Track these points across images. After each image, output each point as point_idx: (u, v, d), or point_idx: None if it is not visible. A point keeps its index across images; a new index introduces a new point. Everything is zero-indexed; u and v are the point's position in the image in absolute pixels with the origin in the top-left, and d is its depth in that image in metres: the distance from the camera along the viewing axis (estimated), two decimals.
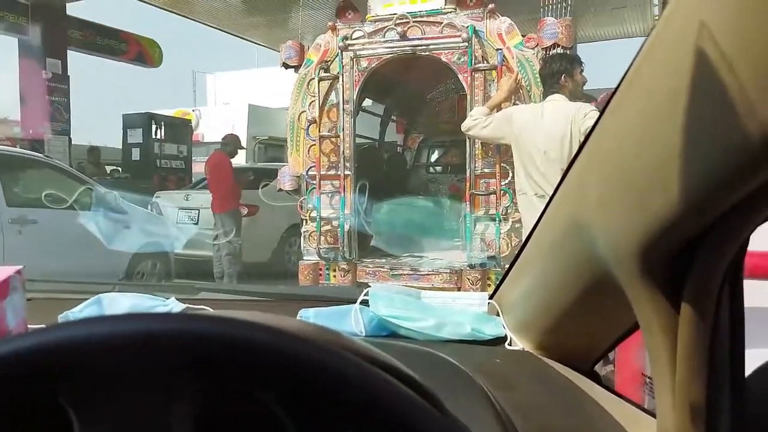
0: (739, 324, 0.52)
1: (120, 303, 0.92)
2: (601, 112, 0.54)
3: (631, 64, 0.47)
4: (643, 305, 0.52)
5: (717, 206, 0.42)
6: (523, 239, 2.94)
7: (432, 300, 0.92)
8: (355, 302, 0.90)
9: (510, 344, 0.85)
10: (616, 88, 0.50)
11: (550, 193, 2.40)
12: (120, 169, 9.73)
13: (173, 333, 0.31)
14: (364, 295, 0.89)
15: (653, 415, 0.71)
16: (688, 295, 0.49)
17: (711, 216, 0.43)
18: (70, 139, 8.79)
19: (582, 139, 2.47)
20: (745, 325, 0.52)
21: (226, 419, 0.41)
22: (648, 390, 0.95)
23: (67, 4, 8.97)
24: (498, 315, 0.89)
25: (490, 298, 0.93)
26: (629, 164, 0.48)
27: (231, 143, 6.33)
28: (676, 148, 0.41)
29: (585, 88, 3.20)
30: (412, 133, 6.80)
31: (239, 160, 11.36)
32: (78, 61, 9.55)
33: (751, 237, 0.50)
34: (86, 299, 0.93)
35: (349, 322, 0.86)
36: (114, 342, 0.30)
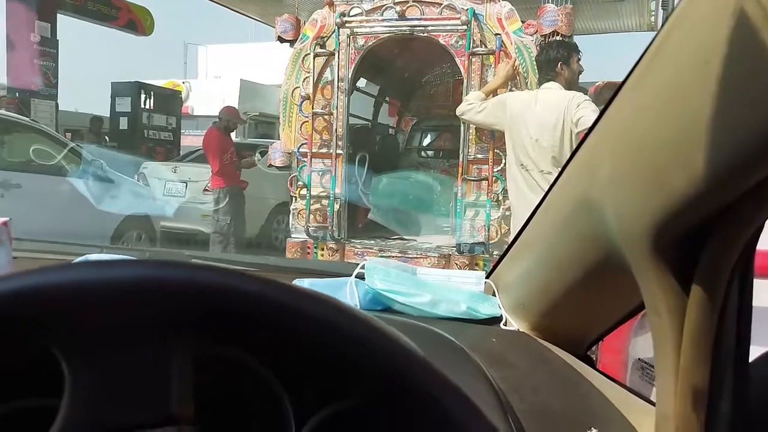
0: (746, 312, 0.52)
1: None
2: (620, 85, 0.52)
3: (656, 35, 0.45)
4: (651, 286, 0.51)
5: (740, 184, 0.41)
6: (512, 227, 2.93)
7: (428, 277, 0.91)
8: (349, 276, 0.89)
9: (505, 324, 0.84)
10: (640, 58, 0.48)
11: (540, 182, 2.38)
12: (107, 138, 9.59)
13: (174, 280, 0.29)
14: (360, 268, 0.87)
15: (646, 400, 0.70)
16: (698, 278, 0.48)
17: (733, 195, 0.42)
18: (57, 104, 8.64)
19: (573, 129, 2.46)
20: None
21: (219, 388, 0.39)
22: (642, 374, 0.95)
23: None
24: (494, 295, 0.88)
25: (487, 277, 0.92)
26: (648, 138, 0.47)
27: (225, 117, 5.84)
28: (703, 121, 0.39)
29: (579, 80, 3.18)
30: (406, 116, 6.76)
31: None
32: (68, 26, 9.36)
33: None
34: (73, 260, 0.91)
35: (344, 295, 0.85)
36: (106, 288, 0.28)
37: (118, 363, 0.28)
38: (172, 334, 0.29)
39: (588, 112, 2.72)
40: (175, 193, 6.56)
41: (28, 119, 5.71)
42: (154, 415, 0.28)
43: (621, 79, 0.52)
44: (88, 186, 4.78)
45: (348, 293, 0.85)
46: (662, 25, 0.46)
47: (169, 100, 10.20)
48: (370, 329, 0.32)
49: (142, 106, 9.46)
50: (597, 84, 3.24)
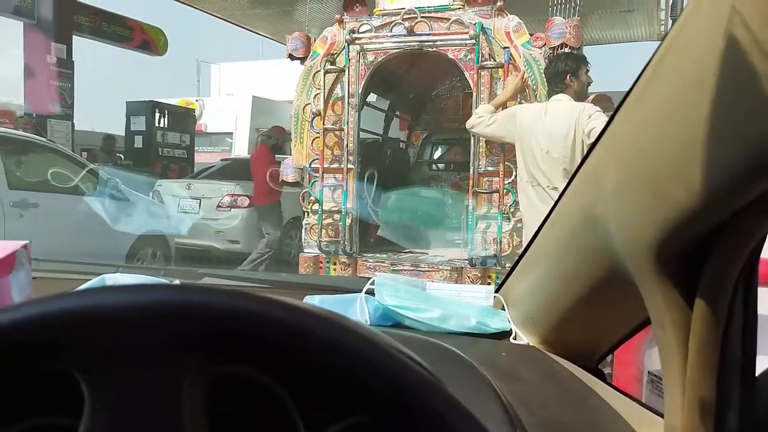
0: (751, 323, 0.52)
1: (124, 283, 0.91)
2: (621, 102, 0.53)
3: (657, 50, 0.46)
4: (655, 300, 0.52)
5: (739, 198, 0.41)
6: (524, 239, 2.92)
7: (437, 292, 0.92)
8: (359, 292, 0.90)
9: (515, 339, 0.84)
10: (639, 77, 0.49)
11: (551, 193, 2.37)
12: (122, 156, 9.71)
13: (185, 304, 0.30)
14: (370, 284, 0.88)
15: (658, 414, 0.70)
16: (702, 291, 0.49)
17: (732, 208, 0.43)
18: (73, 124, 8.77)
19: (585, 140, 2.46)
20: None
21: (232, 405, 0.40)
22: (651, 388, 0.95)
23: None
24: (503, 309, 0.89)
25: (496, 291, 0.93)
26: (649, 153, 0.47)
27: (274, 136, 6.08)
28: (700, 136, 0.40)
29: (588, 90, 3.19)
30: (416, 130, 6.79)
31: (241, 151, 11.39)
32: (83, 47, 9.54)
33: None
34: (90, 279, 0.93)
35: (354, 311, 0.86)
36: (124, 312, 0.30)
37: (134, 383, 0.29)
38: (184, 354, 0.30)
39: (600, 123, 2.72)
40: (189, 210, 6.62)
41: (44, 139, 5.81)
42: None
43: (619, 90, 0.53)
44: (104, 206, 4.84)
45: (358, 309, 0.86)
46: (660, 44, 0.47)
47: (183, 118, 10.32)
48: (376, 348, 0.33)
49: (157, 124, 9.57)
50: (591, 96, 3.24)
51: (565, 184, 0.70)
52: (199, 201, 6.66)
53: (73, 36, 8.93)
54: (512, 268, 0.90)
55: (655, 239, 0.49)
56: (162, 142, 9.60)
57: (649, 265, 0.50)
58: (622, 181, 0.53)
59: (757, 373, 0.54)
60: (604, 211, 0.57)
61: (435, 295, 0.90)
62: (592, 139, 2.80)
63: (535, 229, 0.79)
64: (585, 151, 2.30)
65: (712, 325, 0.49)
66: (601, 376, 0.79)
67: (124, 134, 9.74)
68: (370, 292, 0.88)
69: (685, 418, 0.51)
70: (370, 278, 0.92)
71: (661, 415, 0.69)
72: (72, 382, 0.34)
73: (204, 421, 0.30)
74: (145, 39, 10.85)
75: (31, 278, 0.67)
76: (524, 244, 3.49)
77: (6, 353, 0.29)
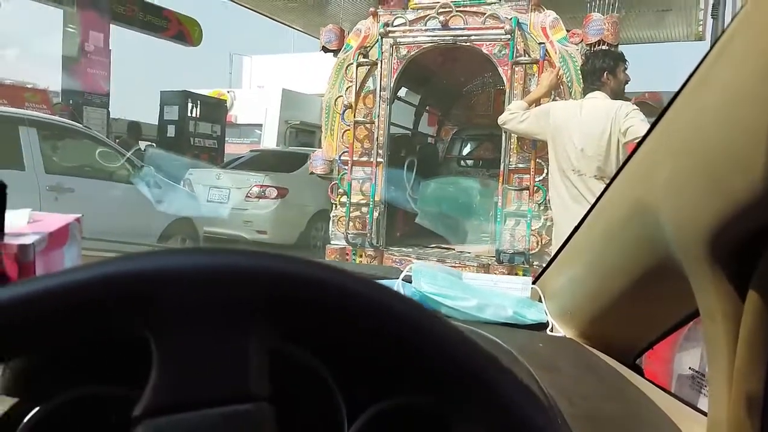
0: None
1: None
2: (679, 90, 0.52)
3: (720, 36, 0.46)
4: (706, 292, 0.51)
5: None
6: (554, 237, 2.88)
7: (474, 281, 0.92)
8: (395, 279, 0.90)
9: (551, 330, 0.84)
10: (702, 60, 0.48)
11: (583, 192, 2.33)
12: (155, 144, 9.87)
13: (251, 268, 0.31)
14: (407, 271, 0.89)
15: (699, 411, 0.69)
16: (755, 283, 0.48)
17: None
18: (108, 112, 8.96)
19: (621, 139, 2.41)
20: None
21: (277, 382, 0.41)
22: (691, 384, 0.93)
23: None
24: (540, 300, 0.88)
25: (533, 283, 0.92)
26: (709, 141, 0.47)
27: None
28: (763, 126, 0.39)
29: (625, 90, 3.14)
30: (446, 125, 6.76)
31: (270, 143, 11.49)
32: (120, 36, 9.71)
33: None
34: None
35: None
36: (197, 273, 0.30)
37: (202, 343, 0.30)
38: (251, 318, 0.31)
39: (637, 121, 2.68)
40: (219, 199, 6.71)
41: (81, 125, 5.94)
42: (234, 392, 0.30)
43: (665, 90, 0.53)
44: (150, 189, 4.95)
45: None
46: (724, 30, 0.46)
47: (215, 109, 10.44)
48: (451, 330, 0.33)
49: (189, 114, 9.71)
50: (645, 94, 3.19)
51: (598, 183, 0.69)
52: (228, 191, 6.74)
53: (111, 25, 9.10)
54: (551, 260, 0.89)
55: (710, 230, 0.48)
56: (194, 132, 9.73)
57: (702, 256, 0.50)
58: (677, 170, 0.52)
59: None
60: (656, 203, 0.56)
61: (471, 285, 0.90)
62: (629, 138, 2.76)
63: (567, 226, 0.79)
64: (621, 150, 2.26)
65: (764, 317, 0.48)
66: (639, 372, 0.78)
67: (157, 123, 9.90)
68: (407, 279, 0.89)
69: (732, 413, 0.50)
70: (406, 267, 0.92)
71: (700, 411, 0.68)
72: (127, 350, 0.35)
73: (267, 383, 0.31)
74: (181, 30, 11.00)
75: (80, 252, 0.69)
76: (555, 243, 3.44)
77: (83, 309, 0.30)
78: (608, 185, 0.68)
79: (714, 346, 0.53)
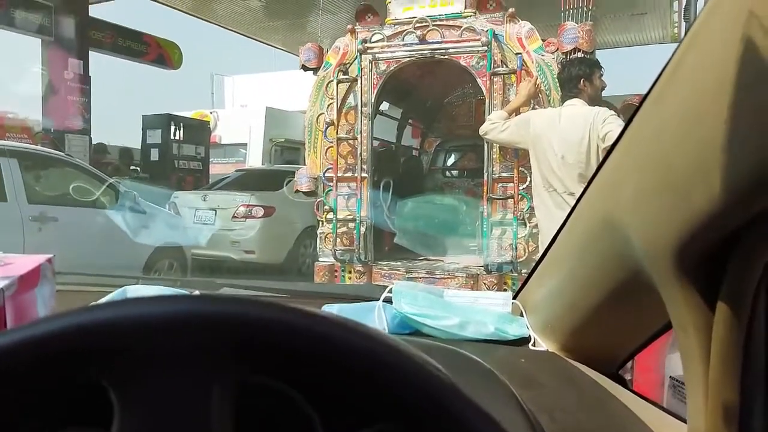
0: None
1: (146, 295, 0.92)
2: (639, 105, 0.53)
3: (674, 53, 0.46)
4: (677, 304, 0.51)
5: (761, 201, 0.41)
6: (540, 244, 2.91)
7: (455, 299, 0.92)
8: (377, 300, 0.90)
9: (534, 345, 0.84)
10: (657, 79, 0.49)
11: (566, 198, 2.35)
12: (139, 169, 9.83)
13: (215, 315, 0.31)
14: (388, 292, 0.89)
15: (680, 419, 0.70)
16: (723, 295, 0.48)
17: (754, 211, 0.42)
18: (90, 139, 8.90)
19: (600, 144, 2.43)
20: None
21: (258, 415, 0.41)
22: (673, 393, 0.94)
23: (89, 6, 9.11)
24: (522, 315, 0.88)
25: (514, 298, 0.92)
26: (669, 158, 0.47)
27: None
28: (720, 139, 0.40)
29: (603, 94, 3.17)
30: (429, 137, 6.80)
31: (255, 162, 11.47)
32: (100, 62, 9.68)
33: None
34: (111, 291, 0.94)
35: (372, 319, 0.86)
36: (157, 322, 0.30)
37: (164, 392, 0.30)
38: (214, 365, 0.31)
39: (615, 126, 2.71)
40: (205, 220, 6.68)
41: (62, 154, 5.90)
42: None
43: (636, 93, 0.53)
44: (123, 219, 4.90)
45: (376, 317, 0.86)
46: (677, 47, 0.47)
47: (198, 130, 10.41)
48: (404, 357, 0.33)
49: (172, 137, 9.67)
50: (628, 99, 3.22)
51: (581, 189, 0.70)
52: (214, 212, 6.71)
53: (90, 51, 9.07)
54: (530, 275, 0.89)
55: (677, 243, 0.49)
56: (178, 155, 9.69)
57: (671, 269, 0.50)
58: (641, 185, 0.53)
59: None
60: (623, 216, 0.56)
61: (453, 303, 0.90)
62: (607, 144, 2.79)
63: (552, 234, 0.79)
64: (600, 156, 2.30)
65: (735, 328, 0.48)
66: (622, 382, 0.78)
67: (140, 147, 9.85)
68: (388, 300, 0.88)
69: (709, 423, 0.51)
70: (386, 286, 0.92)
71: (684, 421, 0.68)
72: (99, 392, 0.34)
73: (232, 430, 0.31)
74: (160, 53, 10.99)
75: (54, 291, 0.68)
76: (540, 250, 3.46)
77: (39, 364, 0.29)
78: (579, 198, 0.69)
79: (688, 358, 0.53)
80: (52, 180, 5.23)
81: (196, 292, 0.99)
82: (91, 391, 0.36)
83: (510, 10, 3.76)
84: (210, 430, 0.30)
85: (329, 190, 4.20)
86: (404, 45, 3.97)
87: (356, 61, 4.07)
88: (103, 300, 0.93)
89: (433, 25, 3.88)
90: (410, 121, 6.41)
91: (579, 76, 2.99)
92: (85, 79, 8.84)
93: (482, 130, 3.40)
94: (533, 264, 0.89)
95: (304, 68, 4.42)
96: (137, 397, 0.30)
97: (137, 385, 0.30)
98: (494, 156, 3.78)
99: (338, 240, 4.15)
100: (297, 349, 0.31)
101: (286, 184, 5.92)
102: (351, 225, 4.14)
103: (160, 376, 0.30)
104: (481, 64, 3.82)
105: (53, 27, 8.50)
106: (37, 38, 8.62)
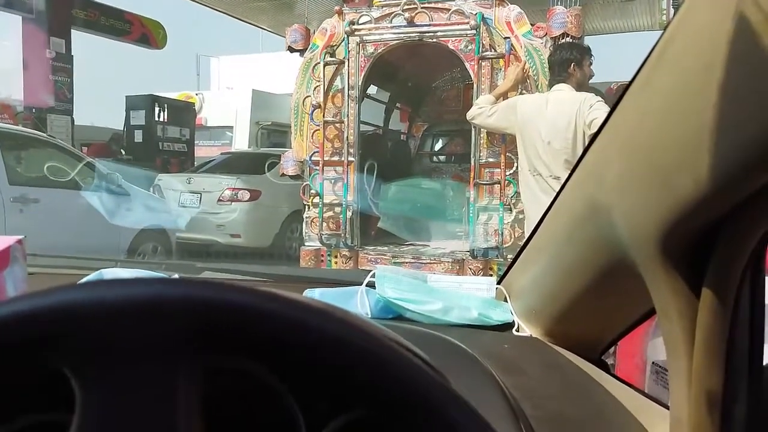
0: (758, 312, 0.51)
1: (122, 277, 0.90)
2: (624, 90, 0.52)
3: (660, 38, 0.45)
4: (661, 290, 0.51)
5: (746, 187, 0.40)
6: (525, 230, 2.93)
7: (439, 284, 0.91)
8: (360, 285, 0.89)
9: (518, 330, 0.83)
10: (643, 64, 0.48)
11: (552, 183, 2.36)
12: (123, 150, 9.71)
13: (180, 298, 0.29)
14: (371, 276, 0.87)
15: (663, 405, 0.70)
16: (708, 281, 0.48)
17: (739, 197, 0.42)
18: (72, 119, 8.77)
19: (587, 130, 2.44)
20: None
21: (229, 400, 0.39)
22: (656, 379, 0.94)
23: None
24: (506, 300, 0.88)
25: (498, 283, 0.92)
26: (654, 142, 0.46)
27: None
28: (707, 123, 0.39)
29: (591, 81, 3.17)
30: (417, 121, 6.76)
31: (242, 145, 11.38)
32: (82, 41, 9.51)
33: None
34: (88, 274, 0.92)
35: (355, 304, 0.85)
36: (114, 307, 0.29)
37: (126, 380, 0.28)
38: (177, 349, 0.29)
39: (601, 113, 2.71)
40: (189, 204, 6.62)
41: (44, 134, 5.80)
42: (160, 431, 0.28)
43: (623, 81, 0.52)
44: (104, 201, 4.84)
45: (359, 302, 0.85)
46: (664, 30, 0.45)
47: (183, 112, 10.28)
48: (374, 340, 0.32)
49: (157, 118, 9.54)
50: (612, 86, 3.24)
51: (567, 175, 0.69)
52: (199, 195, 6.65)
53: (72, 30, 8.90)
54: (514, 260, 0.89)
55: (661, 229, 0.48)
56: (162, 137, 9.57)
57: (655, 255, 0.49)
58: (626, 170, 0.52)
59: (765, 363, 0.53)
60: (608, 202, 0.56)
61: (436, 288, 0.89)
62: (594, 130, 2.80)
63: (537, 220, 0.78)
64: (586, 142, 2.29)
65: (719, 314, 0.48)
66: (605, 368, 0.78)
67: (123, 129, 9.72)
68: (371, 285, 0.87)
69: (692, 410, 0.50)
70: (370, 271, 0.91)
71: (666, 407, 0.68)
72: (67, 377, 0.33)
73: (198, 417, 0.30)
74: (144, 33, 10.79)
75: (26, 274, 0.66)
76: (526, 236, 3.47)
77: (2, 348, 0.28)
78: (564, 184, 0.68)
79: (672, 344, 0.53)
80: (34, 161, 5.15)
81: (176, 276, 0.97)
82: (63, 377, 0.34)
83: None
84: (175, 421, 0.29)
85: (315, 174, 4.17)
86: (392, 27, 3.93)
87: (343, 43, 4.02)
88: (79, 283, 0.91)
89: (422, 8, 3.84)
90: (398, 105, 6.37)
91: (570, 60, 2.98)
92: (67, 58, 8.68)
93: (469, 114, 3.39)
94: (518, 250, 0.88)
95: (291, 50, 4.37)
96: (98, 387, 0.28)
97: (97, 371, 0.28)
98: (481, 141, 3.78)
99: (324, 224, 4.13)
100: (258, 331, 0.30)
101: (268, 169, 5.87)
102: (337, 209, 4.12)
103: (121, 362, 0.28)
104: (469, 48, 3.79)
105: (34, 4, 8.31)
106: (17, 15, 8.43)
